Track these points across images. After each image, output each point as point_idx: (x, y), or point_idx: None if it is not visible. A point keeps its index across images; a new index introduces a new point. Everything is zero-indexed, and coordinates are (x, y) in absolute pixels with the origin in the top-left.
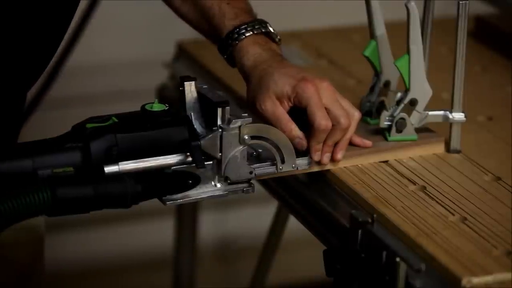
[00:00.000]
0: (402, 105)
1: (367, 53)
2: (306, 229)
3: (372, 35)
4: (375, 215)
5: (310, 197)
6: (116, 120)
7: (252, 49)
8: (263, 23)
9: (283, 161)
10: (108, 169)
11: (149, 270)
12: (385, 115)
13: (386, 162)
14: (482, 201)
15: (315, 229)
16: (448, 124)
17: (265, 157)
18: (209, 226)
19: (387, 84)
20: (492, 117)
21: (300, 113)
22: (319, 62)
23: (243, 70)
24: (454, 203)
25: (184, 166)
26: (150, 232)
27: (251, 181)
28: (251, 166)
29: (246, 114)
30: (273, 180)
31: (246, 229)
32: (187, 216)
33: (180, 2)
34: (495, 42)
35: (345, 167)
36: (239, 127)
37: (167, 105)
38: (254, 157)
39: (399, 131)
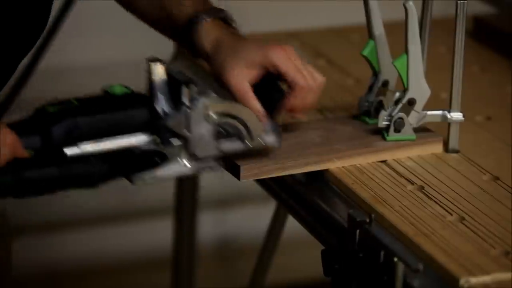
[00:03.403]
0: (400, 105)
1: (365, 52)
2: (304, 229)
3: (371, 35)
4: (373, 215)
5: (308, 197)
6: (76, 103)
7: (214, 30)
8: (221, 10)
9: (250, 138)
10: (69, 151)
11: (149, 270)
12: (383, 114)
13: (384, 162)
14: (480, 201)
15: (313, 229)
16: (447, 124)
17: (233, 134)
18: (208, 226)
19: (385, 83)
20: (490, 117)
21: (260, 91)
22: (318, 61)
23: (205, 50)
24: (452, 203)
25: (151, 145)
26: (149, 232)
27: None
28: (218, 143)
29: (212, 92)
30: (271, 180)
31: (245, 229)
32: (186, 216)
33: (140, 4)
34: (493, 42)
35: (343, 167)
36: (206, 105)
37: (128, 87)
38: (222, 135)
39: (397, 130)
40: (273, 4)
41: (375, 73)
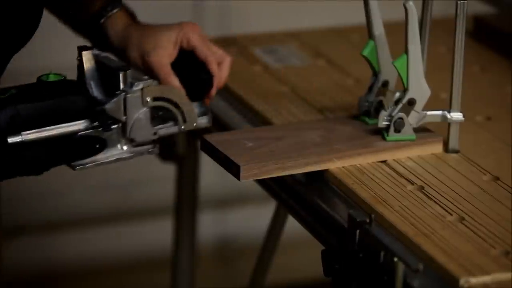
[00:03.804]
0: (400, 105)
1: (365, 53)
2: (305, 229)
3: (371, 35)
4: (373, 215)
5: (308, 197)
6: (14, 92)
7: (123, 19)
8: (123, 4)
9: (184, 121)
10: (12, 139)
11: (149, 270)
12: (383, 115)
13: (384, 162)
14: (480, 201)
15: (314, 229)
16: (447, 124)
17: (168, 117)
18: (208, 226)
19: (385, 84)
20: (490, 117)
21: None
22: (317, 62)
23: (118, 35)
24: (452, 203)
25: (90, 131)
26: (149, 232)
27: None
28: (155, 127)
29: (147, 77)
30: (271, 180)
31: (245, 229)
32: (186, 216)
33: None
34: (494, 42)
35: (343, 167)
36: (142, 89)
37: (63, 75)
38: (158, 118)
39: (397, 131)
40: (273, 4)
41: (375, 73)
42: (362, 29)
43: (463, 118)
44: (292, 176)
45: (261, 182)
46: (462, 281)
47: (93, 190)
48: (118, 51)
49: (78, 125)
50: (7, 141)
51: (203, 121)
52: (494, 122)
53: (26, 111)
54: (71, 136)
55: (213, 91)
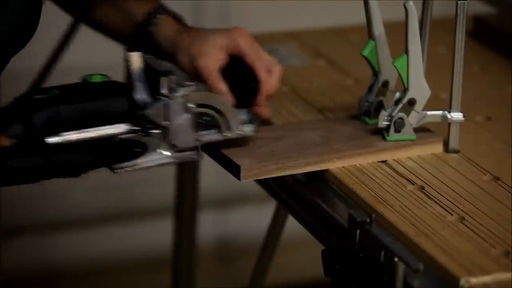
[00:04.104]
0: (400, 105)
1: (365, 53)
2: (305, 229)
3: (371, 35)
4: (373, 215)
5: (308, 197)
6: (57, 91)
7: (173, 23)
8: (169, 9)
9: (228, 128)
10: (51, 140)
11: (149, 270)
12: (383, 115)
13: (384, 162)
14: (481, 201)
15: (314, 229)
16: (447, 124)
17: (212, 124)
18: (208, 226)
19: (385, 84)
20: (491, 117)
21: (233, 81)
22: (317, 62)
23: (168, 41)
24: (452, 203)
25: (130, 135)
26: (149, 232)
27: (198, 148)
28: (197, 133)
29: (191, 83)
30: (271, 180)
31: (246, 229)
32: (186, 216)
33: (95, 8)
34: (494, 42)
35: (343, 167)
36: (184, 95)
37: (107, 76)
38: (201, 125)
39: (397, 131)
40: (273, 4)
41: (375, 73)
42: (362, 29)
43: (463, 118)
44: (292, 176)
45: (261, 182)
46: (462, 281)
47: (94, 190)
48: (168, 56)
49: (118, 128)
50: (47, 141)
51: (248, 129)
52: (494, 122)
53: (67, 112)
54: (111, 138)
55: (261, 98)
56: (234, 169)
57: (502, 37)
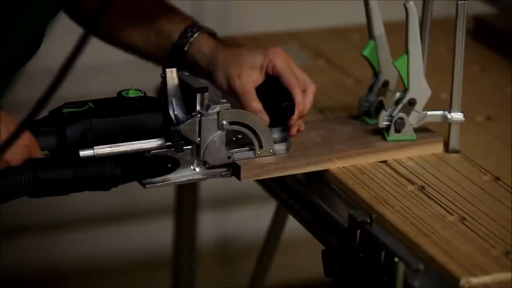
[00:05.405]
0: (400, 105)
1: (365, 53)
2: (305, 229)
3: (371, 35)
4: (373, 215)
5: (308, 197)
6: (92, 105)
7: (209, 41)
8: (203, 26)
9: (261, 146)
10: (84, 153)
11: (149, 270)
12: (383, 115)
13: (385, 162)
14: (481, 201)
15: (314, 229)
16: (447, 124)
17: (244, 142)
18: (208, 226)
19: (385, 84)
20: (491, 117)
21: (268, 101)
22: (317, 62)
23: (205, 59)
24: (452, 203)
25: (163, 150)
26: (149, 232)
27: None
28: (230, 151)
29: (224, 100)
30: (272, 180)
31: (245, 229)
32: (186, 216)
33: (127, 31)
34: (494, 42)
35: (343, 167)
36: (218, 112)
37: (143, 91)
38: (234, 142)
39: (397, 131)
40: (273, 4)
41: (376, 73)
42: (362, 29)
43: (463, 118)
44: (292, 176)
45: (262, 182)
46: (462, 281)
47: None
48: (205, 73)
49: (151, 143)
50: (79, 154)
51: (281, 148)
52: (494, 122)
53: (99, 126)
54: (143, 153)
55: (295, 118)
56: (234, 169)
57: (502, 37)
